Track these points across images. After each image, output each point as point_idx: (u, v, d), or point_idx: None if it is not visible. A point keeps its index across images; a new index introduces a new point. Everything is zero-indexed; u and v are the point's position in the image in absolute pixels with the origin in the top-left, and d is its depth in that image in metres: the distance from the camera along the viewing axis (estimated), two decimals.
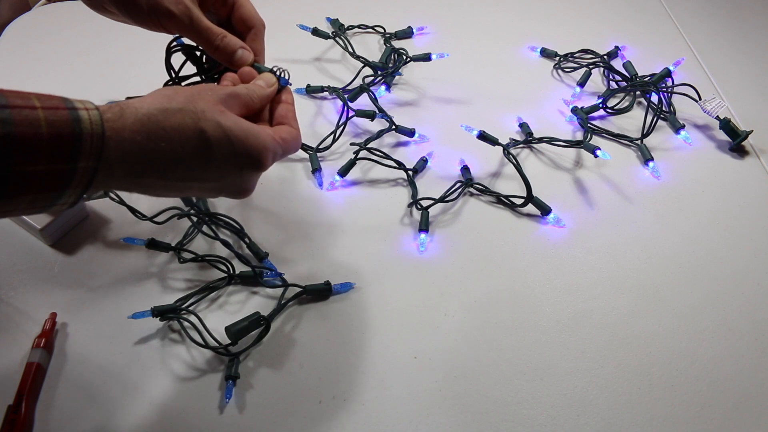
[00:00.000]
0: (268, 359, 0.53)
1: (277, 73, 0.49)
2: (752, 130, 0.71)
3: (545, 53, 0.84)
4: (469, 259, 0.61)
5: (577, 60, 0.83)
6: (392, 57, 0.80)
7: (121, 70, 0.80)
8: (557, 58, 0.83)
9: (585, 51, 0.84)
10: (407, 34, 0.86)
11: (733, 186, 0.69)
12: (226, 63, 0.50)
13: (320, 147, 0.70)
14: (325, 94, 0.77)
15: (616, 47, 0.83)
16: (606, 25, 0.90)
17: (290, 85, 0.50)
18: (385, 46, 0.83)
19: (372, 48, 0.85)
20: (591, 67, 0.80)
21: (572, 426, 0.50)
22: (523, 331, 0.56)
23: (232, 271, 0.57)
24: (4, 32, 0.87)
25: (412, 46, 0.85)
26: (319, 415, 0.50)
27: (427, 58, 0.77)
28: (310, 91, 0.77)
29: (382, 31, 0.86)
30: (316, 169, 0.68)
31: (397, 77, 0.80)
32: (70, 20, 0.90)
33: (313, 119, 0.75)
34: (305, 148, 0.70)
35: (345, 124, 0.70)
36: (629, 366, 0.54)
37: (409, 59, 0.79)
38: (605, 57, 0.82)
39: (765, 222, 0.65)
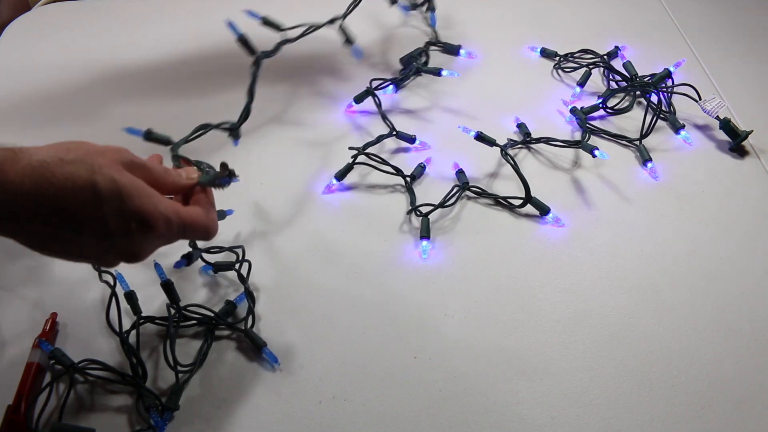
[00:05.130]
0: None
1: (210, 171, 0.48)
2: (752, 130, 0.71)
3: (545, 53, 0.84)
4: (468, 260, 0.61)
5: (577, 60, 0.83)
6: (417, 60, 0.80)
7: (121, 69, 0.81)
8: (557, 58, 0.83)
9: (585, 51, 0.83)
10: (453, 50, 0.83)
11: (733, 186, 0.69)
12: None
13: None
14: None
15: (616, 47, 0.83)
16: (606, 25, 0.90)
17: (231, 182, 0.49)
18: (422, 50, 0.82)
19: (407, 48, 0.83)
20: (591, 67, 0.80)
21: (572, 426, 0.50)
22: (523, 331, 0.56)
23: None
24: (4, 32, 0.87)
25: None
26: (319, 415, 0.50)
27: (437, 72, 0.77)
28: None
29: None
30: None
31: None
32: (70, 20, 0.90)
33: None
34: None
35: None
36: (629, 366, 0.54)
37: (420, 71, 0.78)
38: (605, 57, 0.82)
39: (765, 222, 0.65)
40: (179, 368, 0.51)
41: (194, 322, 0.55)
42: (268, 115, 0.75)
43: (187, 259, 0.57)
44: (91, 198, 0.38)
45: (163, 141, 0.55)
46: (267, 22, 0.65)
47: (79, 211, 0.38)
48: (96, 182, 0.38)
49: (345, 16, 0.71)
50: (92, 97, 0.77)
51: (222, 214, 0.59)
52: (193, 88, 0.78)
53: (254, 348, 0.54)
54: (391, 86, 0.77)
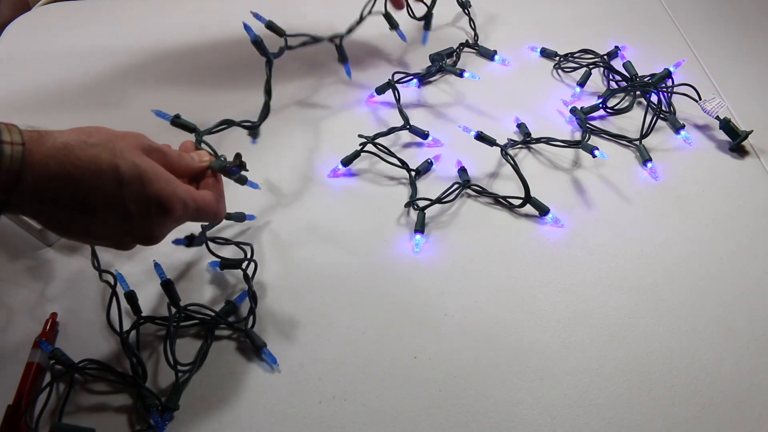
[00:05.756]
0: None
1: (224, 159, 0.50)
2: (752, 130, 0.71)
3: (545, 53, 0.84)
4: (468, 260, 0.61)
5: (577, 60, 0.83)
6: (445, 57, 0.81)
7: (121, 70, 0.81)
8: (557, 58, 0.83)
9: (585, 51, 0.83)
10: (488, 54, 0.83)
11: (733, 186, 0.69)
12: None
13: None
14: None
15: (616, 47, 0.83)
16: (606, 25, 0.90)
17: (238, 175, 0.52)
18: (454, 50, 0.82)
19: (442, 44, 0.84)
20: (591, 67, 0.80)
21: (572, 426, 0.50)
22: (523, 331, 0.56)
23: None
24: (4, 32, 0.87)
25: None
26: (319, 415, 0.50)
27: (459, 74, 0.76)
28: None
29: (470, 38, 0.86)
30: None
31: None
32: (70, 20, 0.90)
33: None
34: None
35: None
36: (629, 366, 0.54)
37: (443, 70, 0.79)
38: (605, 57, 0.82)
39: (765, 222, 0.65)
40: (179, 368, 0.51)
41: (194, 321, 0.55)
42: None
43: (189, 240, 0.56)
44: (113, 181, 0.39)
45: (189, 128, 0.56)
46: (271, 27, 0.65)
47: (100, 193, 0.39)
48: (118, 166, 0.39)
49: (348, 32, 0.70)
50: (92, 98, 0.77)
51: (242, 217, 0.60)
52: (194, 87, 0.78)
53: (254, 348, 0.54)
54: (414, 81, 0.77)
